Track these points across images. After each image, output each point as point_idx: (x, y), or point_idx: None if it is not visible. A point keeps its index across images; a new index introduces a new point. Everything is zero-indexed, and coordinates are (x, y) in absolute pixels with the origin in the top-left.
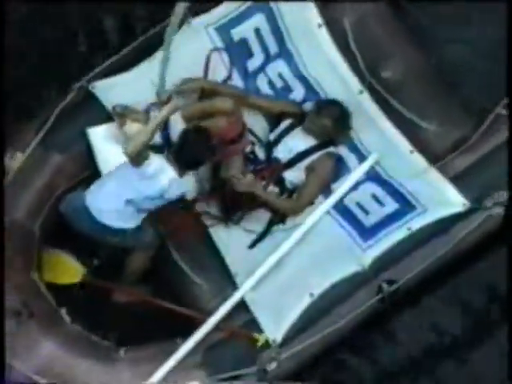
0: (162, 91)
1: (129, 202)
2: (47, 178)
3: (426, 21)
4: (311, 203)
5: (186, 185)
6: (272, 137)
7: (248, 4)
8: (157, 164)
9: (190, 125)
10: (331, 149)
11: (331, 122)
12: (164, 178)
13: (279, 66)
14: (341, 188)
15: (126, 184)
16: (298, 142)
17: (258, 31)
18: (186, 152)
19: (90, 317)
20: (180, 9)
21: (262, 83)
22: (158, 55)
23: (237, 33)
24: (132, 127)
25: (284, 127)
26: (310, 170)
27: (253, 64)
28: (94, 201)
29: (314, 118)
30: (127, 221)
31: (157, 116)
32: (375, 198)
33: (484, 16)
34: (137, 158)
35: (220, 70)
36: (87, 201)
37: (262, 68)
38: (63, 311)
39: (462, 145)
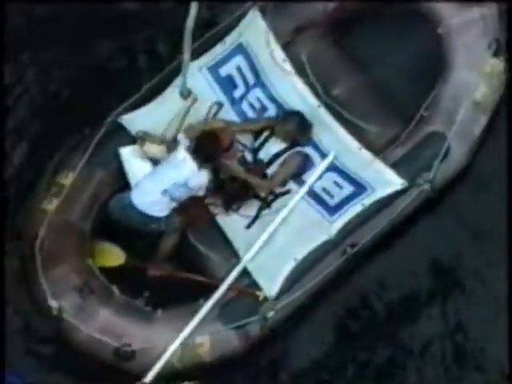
0: (185, 90)
1: (163, 191)
2: (93, 189)
3: (363, 49)
4: (282, 185)
5: (202, 178)
6: (256, 144)
7: (230, 49)
8: (183, 153)
9: (204, 130)
10: (298, 148)
11: (293, 127)
12: (187, 167)
13: (257, 93)
14: (310, 178)
15: (159, 177)
16: (274, 146)
17: (239, 69)
18: (201, 147)
19: (133, 289)
20: (194, 10)
21: (245, 106)
22: (171, 88)
23: (224, 71)
24: (150, 147)
25: (264, 137)
26: (282, 163)
27: (237, 93)
28: (137, 197)
29: (281, 126)
30: (163, 210)
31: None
32: (336, 184)
33: (405, 42)
34: (173, 145)
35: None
36: (132, 199)
37: (244, 95)
38: (113, 286)
39: (396, 140)
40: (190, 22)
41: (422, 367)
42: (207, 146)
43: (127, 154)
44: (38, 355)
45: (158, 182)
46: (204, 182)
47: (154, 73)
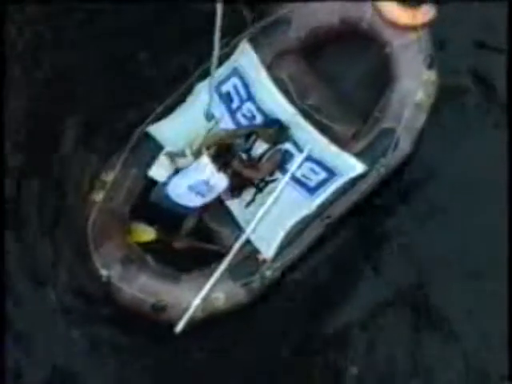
0: (210, 114)
1: (189, 187)
2: (129, 184)
3: (329, 67)
4: (270, 175)
5: (221, 179)
6: (247, 146)
7: (228, 72)
8: (206, 159)
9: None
10: (278, 146)
11: (273, 132)
12: (208, 169)
13: (248, 105)
14: (292, 167)
15: (186, 176)
16: (260, 147)
17: (235, 87)
18: (220, 156)
19: (163, 258)
20: (219, 10)
21: (239, 116)
22: (191, 97)
23: (224, 88)
24: (179, 161)
25: (252, 140)
26: (268, 159)
27: (234, 106)
28: (171, 190)
29: (264, 131)
30: (191, 201)
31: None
32: (312, 170)
33: (361, 61)
34: (198, 155)
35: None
36: (167, 191)
37: (239, 107)
38: (148, 257)
39: (358, 136)
40: (218, 22)
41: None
42: (224, 154)
43: (155, 171)
44: (93, 313)
45: (185, 179)
46: (224, 183)
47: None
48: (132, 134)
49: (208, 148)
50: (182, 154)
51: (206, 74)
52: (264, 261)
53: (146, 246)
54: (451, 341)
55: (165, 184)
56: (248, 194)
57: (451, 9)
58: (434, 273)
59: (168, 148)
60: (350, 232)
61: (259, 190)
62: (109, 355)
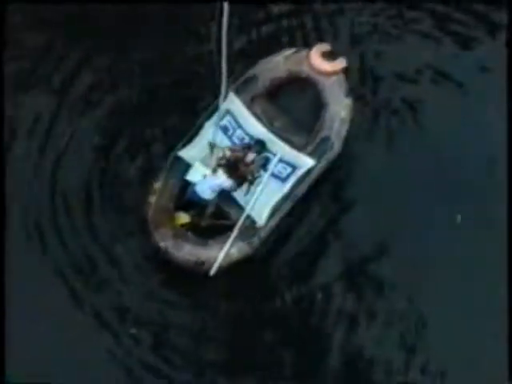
0: (214, 143)
1: (210, 187)
2: (170, 189)
3: (285, 102)
4: (256, 172)
5: (229, 182)
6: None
7: (223, 112)
8: (220, 172)
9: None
10: (262, 155)
11: (256, 148)
12: (222, 178)
13: (239, 132)
14: (271, 166)
15: (207, 181)
16: (249, 155)
17: (229, 121)
18: (231, 169)
19: (196, 232)
20: (226, 11)
21: (234, 138)
22: (207, 124)
23: (222, 123)
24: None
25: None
26: (255, 163)
27: (229, 133)
28: (198, 188)
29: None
30: (209, 195)
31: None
32: (283, 167)
33: (304, 95)
34: (215, 168)
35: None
36: (196, 190)
37: (233, 133)
38: (188, 233)
39: (308, 143)
40: (225, 24)
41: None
42: (233, 168)
43: (190, 176)
44: (155, 271)
45: (206, 183)
46: (228, 183)
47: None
48: (168, 156)
49: (220, 159)
50: (206, 165)
51: (211, 113)
52: (259, 227)
53: (185, 226)
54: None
55: (194, 186)
56: (245, 187)
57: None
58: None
59: (197, 163)
60: (310, 203)
61: (251, 183)
62: (164, 300)
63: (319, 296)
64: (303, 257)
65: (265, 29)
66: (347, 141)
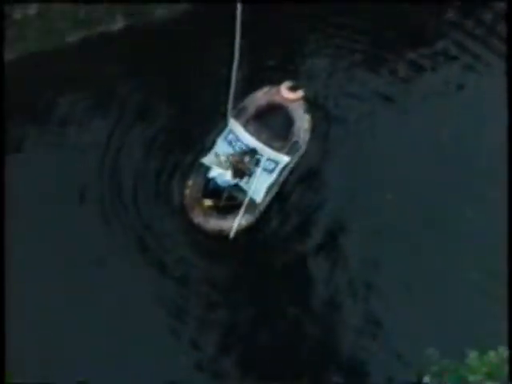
0: (220, 154)
1: (223, 182)
2: (198, 184)
3: (267, 120)
4: (252, 169)
5: (234, 181)
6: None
7: (227, 132)
8: (229, 172)
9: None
10: (254, 157)
11: (251, 153)
12: (229, 175)
13: (239, 143)
14: (261, 164)
15: (222, 176)
16: (246, 159)
17: (232, 137)
18: (237, 172)
19: (217, 211)
20: (239, 12)
21: (236, 148)
22: (220, 138)
23: (228, 139)
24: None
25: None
26: (250, 162)
27: (233, 144)
28: (216, 182)
29: (247, 153)
30: (223, 186)
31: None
32: (269, 164)
33: (279, 115)
34: (227, 168)
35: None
36: (217, 181)
37: (235, 145)
38: (213, 212)
39: (284, 146)
40: (238, 24)
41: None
42: (236, 168)
43: (212, 173)
44: (191, 239)
45: (220, 178)
46: (234, 180)
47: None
48: (195, 163)
49: (227, 163)
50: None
51: (220, 132)
52: (258, 204)
53: (210, 208)
54: None
55: (213, 181)
56: (246, 178)
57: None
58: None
59: (214, 166)
60: (290, 186)
61: (250, 175)
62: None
63: (302, 251)
64: (289, 224)
65: (250, 75)
66: (309, 143)
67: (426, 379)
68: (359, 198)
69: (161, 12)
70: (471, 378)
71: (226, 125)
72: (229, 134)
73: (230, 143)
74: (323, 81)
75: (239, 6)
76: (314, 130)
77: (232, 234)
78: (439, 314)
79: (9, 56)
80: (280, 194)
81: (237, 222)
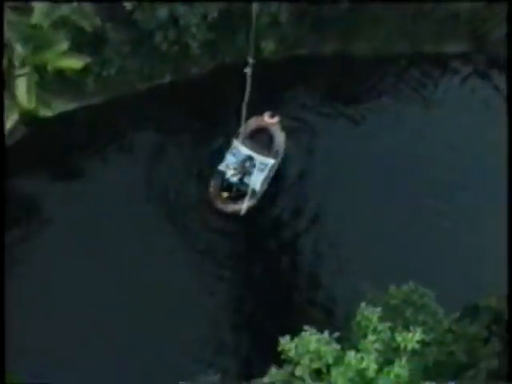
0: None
1: (233, 180)
2: (217, 184)
3: (255, 137)
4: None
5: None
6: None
7: (234, 150)
8: (235, 176)
9: None
10: (252, 162)
11: (249, 159)
12: (236, 177)
13: (240, 155)
14: (256, 166)
15: (231, 178)
16: (247, 164)
17: (235, 151)
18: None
19: (231, 199)
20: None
21: (238, 158)
22: (228, 153)
23: (232, 152)
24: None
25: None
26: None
27: (235, 156)
28: (230, 179)
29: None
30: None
31: None
32: (261, 165)
33: (264, 134)
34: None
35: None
36: (229, 179)
37: (237, 156)
38: (229, 200)
39: (270, 154)
40: (253, 21)
41: None
42: (240, 171)
43: (228, 175)
44: (215, 218)
45: (232, 178)
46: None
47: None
48: (215, 170)
49: (234, 169)
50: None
51: (228, 149)
52: (256, 192)
53: (226, 198)
54: None
55: (228, 179)
56: (247, 176)
57: None
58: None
59: (228, 171)
60: (277, 180)
61: (250, 174)
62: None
63: (289, 221)
64: (279, 204)
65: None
66: (286, 150)
67: (363, 304)
68: (327, 181)
69: (195, 70)
70: (392, 302)
71: (231, 144)
72: (233, 149)
73: (234, 155)
74: (294, 111)
75: (249, 70)
76: (288, 142)
77: (242, 212)
78: (375, 259)
79: (98, 100)
80: (271, 186)
81: (245, 205)
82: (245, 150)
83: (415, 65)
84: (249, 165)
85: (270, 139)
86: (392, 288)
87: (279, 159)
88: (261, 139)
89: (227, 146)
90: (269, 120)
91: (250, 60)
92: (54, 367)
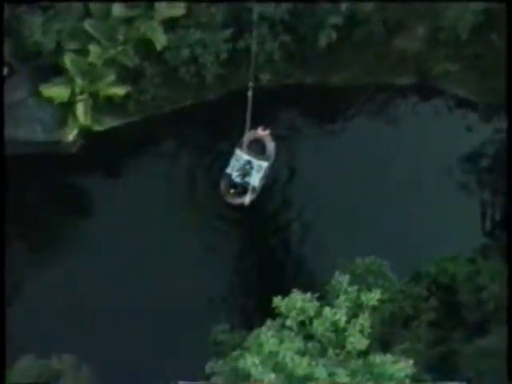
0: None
1: (238, 180)
2: (227, 183)
3: (254, 146)
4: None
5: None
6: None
7: (237, 157)
8: (238, 177)
9: None
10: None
11: (248, 163)
12: (239, 178)
13: (242, 160)
14: (254, 167)
15: (237, 178)
16: (247, 166)
17: (238, 158)
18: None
19: (236, 194)
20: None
21: (241, 162)
22: (232, 160)
23: (235, 158)
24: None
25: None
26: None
27: (238, 162)
28: (235, 179)
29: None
30: (239, 182)
31: None
32: (258, 166)
33: (259, 144)
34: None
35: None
36: (234, 179)
37: (240, 161)
38: (236, 196)
39: (264, 158)
40: (253, 59)
41: None
42: (243, 172)
43: (234, 177)
44: (226, 208)
45: (237, 178)
46: (243, 180)
47: None
48: (223, 173)
49: (238, 171)
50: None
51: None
52: (256, 188)
53: (234, 193)
54: None
55: (234, 179)
56: (248, 176)
57: None
58: None
59: (233, 173)
60: (270, 178)
61: (250, 174)
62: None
63: (281, 210)
64: (273, 198)
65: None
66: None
67: (337, 273)
68: (308, 177)
69: (210, 96)
70: (358, 271)
71: (234, 153)
72: (236, 156)
73: (237, 160)
74: (282, 125)
75: (250, 93)
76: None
77: (246, 203)
78: (348, 240)
79: (136, 118)
80: (267, 181)
81: (247, 198)
82: (245, 156)
83: (377, 92)
84: (248, 167)
85: (263, 147)
86: (358, 260)
87: (271, 162)
88: (256, 147)
89: (231, 154)
90: (262, 132)
91: (250, 83)
92: None
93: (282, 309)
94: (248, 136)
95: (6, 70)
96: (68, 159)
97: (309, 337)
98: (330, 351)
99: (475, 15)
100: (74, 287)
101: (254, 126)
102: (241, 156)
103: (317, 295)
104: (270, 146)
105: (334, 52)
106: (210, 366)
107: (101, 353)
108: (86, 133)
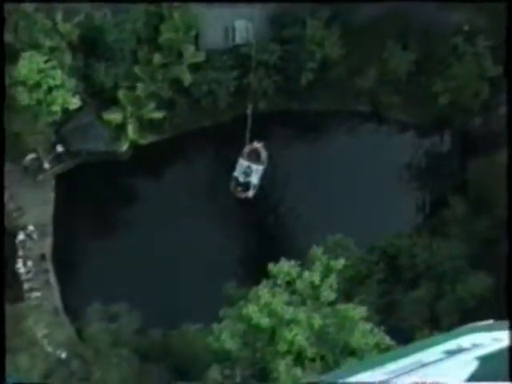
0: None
1: (243, 180)
2: (235, 183)
3: (251, 156)
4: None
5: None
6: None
7: (240, 162)
8: (241, 177)
9: None
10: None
11: (249, 167)
12: (242, 178)
13: (244, 166)
14: (253, 170)
15: (242, 179)
16: (248, 170)
17: (241, 164)
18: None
19: (243, 190)
20: (249, 117)
21: (244, 168)
22: (237, 166)
23: (239, 165)
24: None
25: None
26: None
27: (241, 167)
28: (240, 180)
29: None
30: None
31: None
32: (256, 169)
33: (253, 155)
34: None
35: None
36: (239, 180)
37: (243, 165)
38: (242, 191)
39: (260, 163)
40: (252, 92)
41: None
42: (245, 174)
43: (239, 177)
44: (235, 201)
45: (242, 179)
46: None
47: None
48: (231, 176)
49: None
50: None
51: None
52: (256, 184)
53: (240, 190)
54: None
55: (239, 180)
56: (249, 177)
57: None
58: None
59: (239, 176)
60: (266, 177)
61: (250, 175)
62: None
63: (280, 204)
64: (269, 193)
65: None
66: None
67: (314, 246)
68: (295, 177)
69: (222, 118)
70: (329, 245)
71: (237, 161)
72: (240, 163)
73: (241, 166)
74: (274, 140)
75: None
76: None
77: (250, 196)
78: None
79: (169, 135)
80: (265, 179)
81: (250, 193)
82: (246, 163)
83: (345, 116)
84: (249, 170)
85: (259, 155)
86: (329, 237)
87: (265, 166)
88: (253, 156)
89: (236, 162)
90: (257, 145)
91: (249, 110)
92: None
93: (274, 272)
94: (248, 147)
95: (79, 102)
96: (122, 164)
97: (293, 292)
98: (309, 302)
99: (409, 64)
100: (128, 253)
101: (252, 140)
102: (243, 162)
103: (299, 262)
104: (264, 154)
105: (312, 87)
106: (222, 312)
107: (145, 299)
108: (134, 145)
